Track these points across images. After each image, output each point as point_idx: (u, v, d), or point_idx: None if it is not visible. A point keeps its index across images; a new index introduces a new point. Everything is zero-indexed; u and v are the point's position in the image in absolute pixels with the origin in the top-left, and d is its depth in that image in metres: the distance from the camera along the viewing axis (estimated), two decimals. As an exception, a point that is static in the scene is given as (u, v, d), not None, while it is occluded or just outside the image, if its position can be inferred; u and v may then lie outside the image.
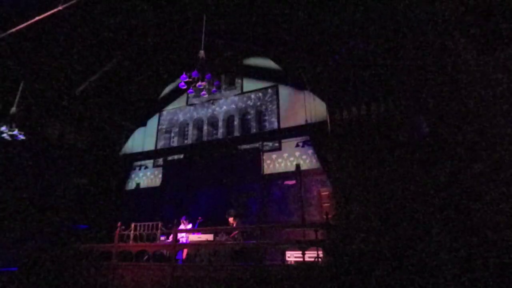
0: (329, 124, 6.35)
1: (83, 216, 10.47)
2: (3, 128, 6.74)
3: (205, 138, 10.85)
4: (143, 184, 11.42)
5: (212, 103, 11.16)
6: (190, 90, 5.75)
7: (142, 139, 12.11)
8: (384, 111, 5.78)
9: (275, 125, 9.68)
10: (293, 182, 8.79)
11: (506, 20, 4.61)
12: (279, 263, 5.70)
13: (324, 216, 5.41)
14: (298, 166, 8.87)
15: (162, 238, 7.11)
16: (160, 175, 11.18)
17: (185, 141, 11.40)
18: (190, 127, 11.38)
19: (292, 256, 6.53)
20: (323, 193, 8.25)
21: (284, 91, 9.90)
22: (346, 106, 6.19)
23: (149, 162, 11.68)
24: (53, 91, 9.43)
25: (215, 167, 10.06)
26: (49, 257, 7.31)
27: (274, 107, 9.93)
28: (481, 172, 4.57)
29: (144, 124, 12.33)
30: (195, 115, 11.42)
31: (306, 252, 5.21)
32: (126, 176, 11.74)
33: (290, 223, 8.16)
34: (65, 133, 10.52)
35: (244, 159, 9.75)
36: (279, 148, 9.43)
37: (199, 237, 6.72)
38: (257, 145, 9.76)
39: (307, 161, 8.85)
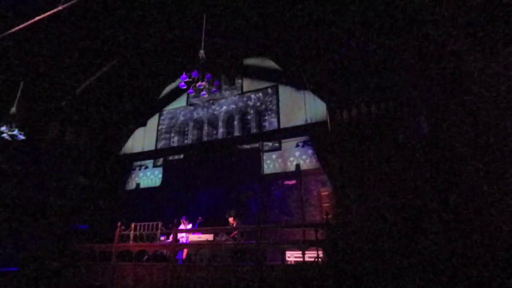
0: (329, 124, 6.36)
1: (83, 216, 10.47)
2: (3, 128, 6.75)
3: (205, 138, 10.85)
4: (143, 184, 11.41)
5: (212, 103, 11.16)
6: (190, 90, 5.75)
7: (142, 139, 12.10)
8: (384, 111, 5.78)
9: (275, 125, 9.67)
10: (293, 182, 8.79)
11: (506, 20, 4.61)
12: (279, 263, 5.69)
13: (324, 216, 5.41)
14: (298, 166, 8.87)
15: (162, 238, 7.11)
16: (160, 175, 11.17)
17: (185, 141, 11.40)
18: (190, 127, 11.38)
19: (292, 256, 6.53)
20: (323, 193, 8.25)
21: (284, 91, 9.90)
22: (346, 106, 6.19)
23: (149, 162, 11.67)
24: (53, 91, 9.42)
25: (215, 167, 10.06)
26: (49, 257, 7.31)
27: (274, 107, 9.93)
28: (480, 172, 4.57)
29: (144, 124, 12.32)
30: (195, 115, 11.42)
31: (306, 252, 5.21)
32: (126, 176, 11.74)
33: (290, 223, 8.16)
34: (65, 133, 10.52)
35: (244, 159, 9.75)
36: (279, 148, 9.43)
37: (199, 237, 6.72)
38: (257, 145, 9.76)
39: (307, 161, 8.85)
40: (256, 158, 9.56)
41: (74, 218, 10.24)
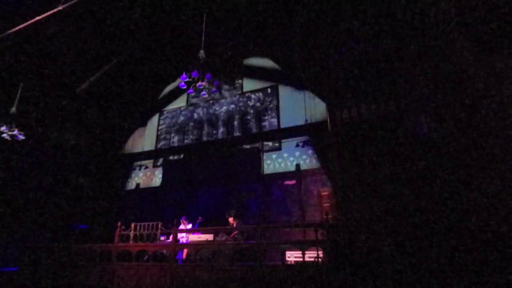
0: (329, 124, 6.35)
1: (83, 216, 10.47)
2: (3, 128, 6.75)
3: (205, 138, 10.85)
4: (143, 184, 11.41)
5: (212, 103, 11.16)
6: (190, 90, 5.76)
7: (142, 139, 12.11)
8: (384, 111, 5.78)
9: (275, 125, 9.68)
10: (293, 182, 8.78)
11: (506, 20, 4.61)
12: (279, 263, 5.69)
13: (324, 216, 5.41)
14: (298, 166, 8.87)
15: (162, 238, 7.11)
16: (160, 175, 11.18)
17: (185, 141, 11.40)
18: (190, 127, 11.38)
19: (292, 256, 6.53)
20: (323, 193, 8.25)
21: (284, 91, 9.90)
22: (346, 106, 6.18)
23: (149, 162, 11.67)
24: (53, 91, 9.43)
25: (215, 167, 10.06)
26: (49, 257, 7.31)
27: (274, 107, 9.93)
28: (481, 172, 4.56)
29: (144, 124, 12.33)
30: (195, 115, 11.42)
31: (306, 252, 5.21)
32: (126, 176, 11.74)
33: (290, 223, 8.15)
34: (65, 133, 10.52)
35: (244, 159, 9.75)
36: (279, 148, 9.43)
37: (199, 237, 6.72)
38: (257, 145, 9.76)
39: (307, 161, 8.85)
40: (256, 158, 9.56)
41: (74, 218, 10.24)
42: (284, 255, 6.40)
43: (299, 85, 9.26)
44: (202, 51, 5.71)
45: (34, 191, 9.43)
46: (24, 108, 8.31)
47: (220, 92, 11.13)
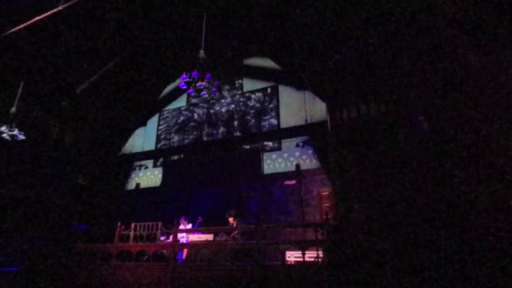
0: (329, 124, 6.35)
1: (83, 216, 10.47)
2: (3, 128, 6.74)
3: (205, 138, 10.85)
4: (143, 184, 11.41)
5: (212, 103, 11.16)
6: (190, 90, 5.74)
7: (142, 139, 12.11)
8: (384, 111, 5.78)
9: (275, 125, 9.68)
10: (293, 182, 8.79)
11: (506, 20, 4.61)
12: (279, 263, 5.69)
13: (324, 216, 5.41)
14: (298, 166, 8.87)
15: (162, 238, 7.11)
16: (160, 175, 11.18)
17: (185, 141, 11.40)
18: (190, 127, 11.38)
19: (292, 256, 6.53)
20: (323, 193, 8.25)
21: (284, 91, 9.90)
22: (346, 106, 6.18)
23: (149, 162, 11.68)
24: (53, 91, 9.43)
25: (215, 167, 10.06)
26: (49, 257, 7.31)
27: (274, 107, 9.94)
28: (481, 172, 4.57)
29: (144, 124, 12.33)
30: (195, 115, 11.42)
31: (306, 252, 5.21)
32: (126, 176, 11.74)
33: (290, 223, 8.16)
34: (65, 133, 10.52)
35: (244, 159, 9.76)
36: (279, 148, 9.43)
37: (199, 237, 6.72)
38: (257, 145, 9.76)
39: (307, 161, 8.85)
40: (256, 158, 9.56)
41: (74, 218, 10.24)
42: (284, 255, 6.40)
43: (299, 85, 9.26)
44: (202, 51, 5.71)
45: (34, 191, 9.43)
46: (24, 108, 8.31)
47: (220, 92, 11.13)
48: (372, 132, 5.75)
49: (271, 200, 8.90)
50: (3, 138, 6.84)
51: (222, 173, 9.84)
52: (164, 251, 6.85)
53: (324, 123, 7.28)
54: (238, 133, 10.33)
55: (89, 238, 9.24)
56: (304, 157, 8.94)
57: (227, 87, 11.18)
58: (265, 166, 9.42)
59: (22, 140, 7.12)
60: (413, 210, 4.94)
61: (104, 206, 10.92)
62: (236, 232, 6.86)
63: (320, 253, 5.22)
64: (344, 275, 4.71)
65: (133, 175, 11.77)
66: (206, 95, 5.89)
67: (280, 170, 9.15)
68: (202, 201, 9.86)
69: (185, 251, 7.07)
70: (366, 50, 6.45)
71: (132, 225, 6.92)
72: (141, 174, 11.63)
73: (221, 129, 10.68)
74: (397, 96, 5.80)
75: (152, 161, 11.66)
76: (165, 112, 12.15)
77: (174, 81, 11.71)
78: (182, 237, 7.27)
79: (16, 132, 6.85)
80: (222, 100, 11.04)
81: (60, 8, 5.40)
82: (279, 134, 9.47)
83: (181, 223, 7.87)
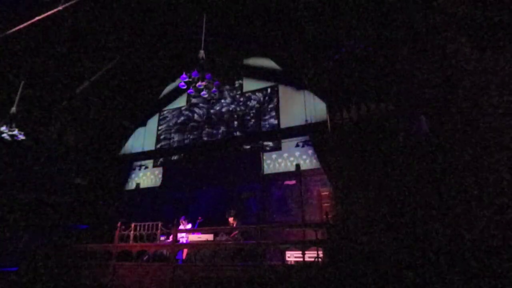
0: (329, 124, 6.35)
1: (83, 216, 10.47)
2: (3, 128, 6.74)
3: (205, 138, 10.85)
4: (143, 184, 11.42)
5: (212, 103, 11.16)
6: (190, 90, 5.74)
7: (142, 139, 12.11)
8: (384, 111, 5.78)
9: (275, 125, 9.68)
10: (293, 182, 8.79)
11: (506, 20, 4.61)
12: (279, 263, 5.69)
13: (324, 216, 5.41)
14: (298, 166, 8.87)
15: (162, 238, 7.11)
16: (160, 175, 11.18)
17: (185, 141, 11.40)
18: (190, 127, 11.38)
19: (292, 256, 6.53)
20: (323, 193, 8.25)
21: (284, 91, 9.90)
22: (346, 106, 6.18)
23: (149, 162, 11.68)
24: (53, 91, 9.43)
25: (215, 167, 10.06)
26: (49, 257, 7.31)
27: (274, 107, 9.93)
28: (481, 172, 4.56)
29: (144, 124, 12.33)
30: (195, 115, 11.42)
31: (306, 252, 5.21)
32: (126, 176, 11.74)
33: (290, 223, 8.16)
34: (65, 133, 10.52)
35: (244, 159, 9.75)
36: (279, 148, 9.43)
37: (199, 237, 6.72)
38: (257, 145, 9.76)
39: (307, 161, 8.85)
40: (256, 158, 9.56)
41: (74, 218, 10.24)
42: (284, 255, 6.40)
43: (299, 85, 9.26)
44: (202, 51, 5.71)
45: (34, 191, 9.43)
46: (24, 108, 8.31)
47: (220, 92, 11.13)
48: (372, 132, 5.75)
49: (271, 200, 8.90)
50: (3, 138, 6.84)
51: (222, 173, 9.84)
52: (164, 251, 6.84)
53: (324, 123, 7.28)
54: (238, 133, 10.33)
55: (89, 238, 9.24)
56: (304, 157, 8.94)
57: (227, 87, 11.18)
58: (265, 166, 9.42)
59: (22, 140, 7.12)
60: (413, 210, 4.94)
61: (104, 206, 10.92)
62: (236, 232, 6.85)
63: (320, 253, 5.22)
64: (344, 275, 4.71)
65: (133, 175, 11.77)
66: (206, 95, 5.90)
67: (280, 170, 9.15)
68: (202, 201, 9.86)
69: (185, 251, 7.07)
70: (366, 50, 6.45)
71: (132, 225, 6.92)
72: (141, 174, 11.63)
73: (221, 129, 10.68)
74: (397, 96, 5.80)
75: (152, 161, 11.66)
76: (165, 112, 12.15)
77: (174, 81, 11.71)
78: (182, 237, 7.27)
79: (16, 132, 6.85)
80: (222, 100, 11.04)
81: (60, 8, 5.40)
82: (279, 134, 9.47)
83: (181, 223, 7.87)
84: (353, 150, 5.80)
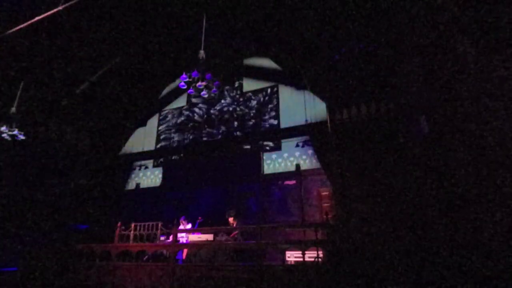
0: (329, 124, 6.35)
1: (83, 216, 10.47)
2: (3, 128, 6.75)
3: (205, 138, 10.85)
4: (143, 184, 11.42)
5: (212, 103, 11.16)
6: (190, 90, 5.75)
7: (142, 139, 12.11)
8: (384, 111, 5.78)
9: (275, 125, 9.68)
10: (293, 182, 8.79)
11: (507, 20, 4.61)
12: (279, 263, 5.69)
13: (324, 216, 5.41)
14: (298, 166, 8.87)
15: (162, 238, 7.11)
16: (160, 175, 11.18)
17: (185, 141, 11.40)
18: (190, 127, 11.38)
19: (292, 256, 6.53)
20: (323, 193, 8.25)
21: (284, 91, 9.90)
22: (346, 106, 6.18)
23: (149, 162, 11.68)
24: (53, 91, 9.43)
25: (215, 167, 10.06)
26: (49, 257, 7.31)
27: (274, 107, 9.93)
28: (481, 172, 4.56)
29: (144, 124, 12.33)
30: (195, 115, 11.43)
31: (306, 252, 5.21)
32: (126, 176, 11.74)
33: (290, 223, 8.16)
34: (65, 133, 10.52)
35: (244, 159, 9.75)
36: (279, 148, 9.43)
37: (199, 237, 6.72)
38: (257, 145, 9.77)
39: (307, 161, 8.85)
40: (256, 158, 9.56)
41: (74, 218, 10.24)
42: (284, 255, 6.40)
43: (299, 85, 9.26)
44: (202, 51, 5.71)
45: (34, 191, 9.43)
46: (24, 108, 8.31)
47: (220, 92, 11.13)
48: (372, 132, 5.75)
49: (271, 200, 8.90)
50: (3, 138, 6.84)
51: (222, 173, 9.84)
52: (164, 251, 6.85)
53: (324, 123, 7.28)
54: (238, 133, 10.33)
55: (89, 238, 9.24)
56: (304, 157, 8.94)
57: (227, 87, 11.18)
58: (265, 166, 9.42)
59: (22, 140, 7.12)
60: (413, 210, 4.94)
61: (104, 206, 10.92)
62: (236, 232, 6.85)
63: (320, 253, 5.22)
64: (344, 275, 4.71)
65: (133, 175, 11.77)
66: (206, 95, 5.90)
67: (280, 170, 9.15)
68: (202, 201, 9.86)
69: (185, 251, 7.07)
70: (366, 50, 6.45)
71: (132, 225, 6.92)
72: (141, 174, 11.63)
73: (221, 129, 10.68)
74: (397, 96, 5.80)
75: (152, 161, 11.66)
76: (165, 112, 12.15)
77: (174, 81, 11.71)
78: (182, 237, 7.27)
79: (16, 132, 6.85)
80: (222, 100, 11.04)
81: (60, 8, 5.40)
82: (279, 134, 9.47)
83: (181, 223, 7.87)
84: (353, 150, 5.80)
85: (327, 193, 8.13)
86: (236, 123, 10.54)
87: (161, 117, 12.15)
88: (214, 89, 6.85)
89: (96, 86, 10.14)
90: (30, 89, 8.44)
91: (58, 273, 7.04)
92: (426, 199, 4.91)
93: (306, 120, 8.90)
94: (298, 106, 9.25)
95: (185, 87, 5.83)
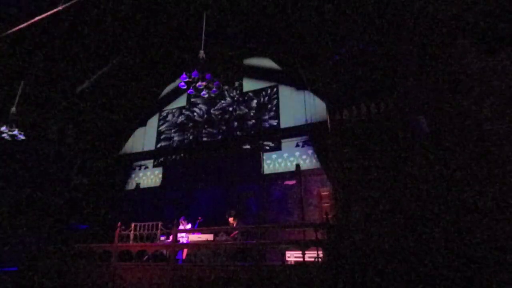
0: (329, 124, 6.34)
1: (83, 216, 10.47)
2: (3, 128, 6.75)
3: (205, 138, 10.85)
4: (143, 184, 11.41)
5: (212, 103, 11.16)
6: (190, 90, 5.75)
7: (142, 139, 12.11)
8: (384, 111, 5.78)
9: (275, 125, 9.68)
10: (293, 182, 8.78)
11: (507, 20, 4.61)
12: (279, 263, 5.69)
13: (324, 216, 5.41)
14: (298, 166, 8.87)
15: (162, 238, 7.11)
16: (160, 175, 11.18)
17: (185, 141, 11.40)
18: (190, 127, 11.38)
19: (292, 256, 6.53)
20: (323, 193, 8.25)
21: (284, 91, 9.90)
22: (346, 106, 6.18)
23: (149, 162, 11.68)
24: (53, 91, 9.43)
25: (215, 167, 10.06)
26: (49, 257, 7.31)
27: (274, 107, 9.93)
28: (481, 172, 4.56)
29: (144, 124, 12.33)
30: (195, 115, 11.43)
31: (306, 252, 5.21)
32: (126, 176, 11.74)
33: (290, 223, 8.16)
34: (65, 133, 10.52)
35: (244, 159, 9.75)
36: (279, 148, 9.43)
37: (199, 237, 6.72)
38: (257, 145, 9.76)
39: (307, 161, 8.85)
40: (256, 158, 9.56)
41: (74, 218, 10.24)
42: (284, 255, 6.39)
43: (299, 85, 9.26)
44: (202, 51, 5.71)
45: (34, 191, 9.42)
46: (24, 108, 8.31)
47: (220, 92, 11.12)
48: (372, 132, 5.75)
49: (271, 200, 8.90)
50: (3, 138, 6.84)
51: (222, 173, 9.84)
52: (164, 251, 6.84)
53: (324, 123, 7.28)
54: (238, 133, 10.32)
55: (89, 238, 9.24)
56: (304, 157, 8.94)
57: (227, 87, 11.18)
58: (265, 166, 9.42)
59: (22, 140, 7.12)
60: (413, 209, 4.94)
61: (104, 206, 10.92)
62: (236, 232, 6.85)
63: (320, 253, 5.22)
64: (344, 275, 4.71)
65: (133, 175, 11.77)
66: (206, 95, 5.90)
67: (280, 170, 9.15)
68: (202, 201, 9.86)
69: (185, 251, 7.07)
70: (366, 50, 6.45)
71: (132, 225, 6.92)
72: (141, 174, 11.63)
73: (221, 129, 10.68)
74: (397, 96, 5.80)
75: (152, 161, 11.66)
76: (165, 112, 12.15)
77: (174, 81, 11.71)
78: (182, 237, 7.27)
79: (16, 132, 6.85)
80: (222, 100, 11.04)
81: (60, 8, 5.40)
82: (279, 134, 9.47)
83: (181, 223, 7.86)
84: (353, 150, 5.80)
85: (327, 193, 8.13)
86: (236, 123, 10.54)
87: (161, 117, 12.15)
88: (214, 89, 6.85)
89: (96, 86, 10.13)
90: (30, 89, 8.43)
91: (58, 273, 7.04)
92: (426, 199, 4.91)
93: (306, 120, 8.90)
94: (298, 106, 9.25)
95: (185, 87, 5.83)
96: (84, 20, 7.99)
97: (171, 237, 6.62)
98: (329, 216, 5.41)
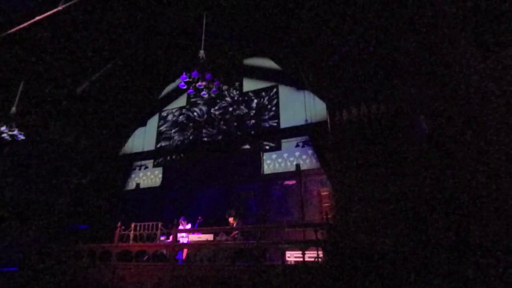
0: (329, 124, 6.35)
1: (83, 216, 10.47)
2: (3, 128, 6.75)
3: (205, 138, 10.85)
4: (143, 184, 11.42)
5: (212, 103, 11.17)
6: (190, 90, 5.75)
7: (142, 139, 12.11)
8: (384, 111, 5.78)
9: (275, 125, 9.68)
10: (293, 182, 8.79)
11: (506, 20, 4.61)
12: (279, 263, 5.69)
13: (324, 216, 5.41)
14: (298, 166, 8.87)
15: (162, 238, 7.11)
16: (160, 175, 11.18)
17: (185, 141, 11.40)
18: (190, 127, 11.38)
19: (292, 256, 6.53)
20: (323, 193, 8.25)
21: (284, 91, 9.90)
22: (346, 106, 6.18)
23: (149, 162, 11.68)
24: (53, 91, 9.42)
25: (215, 167, 10.06)
26: (49, 257, 7.31)
27: (274, 107, 9.93)
28: (481, 171, 4.56)
29: (144, 124, 12.33)
30: (195, 115, 11.43)
31: (306, 252, 5.21)
32: (126, 176, 11.74)
33: (290, 223, 8.15)
34: (65, 133, 10.52)
35: (244, 159, 9.76)
36: (279, 148, 9.43)
37: (199, 237, 6.72)
38: (257, 145, 9.76)
39: (307, 161, 8.85)
40: (256, 158, 9.56)
41: (74, 218, 10.24)
42: (284, 255, 6.40)
43: (299, 85, 9.26)
44: (202, 51, 5.72)
45: (34, 191, 9.42)
46: (24, 108, 8.31)
47: (220, 92, 11.12)
48: (372, 132, 5.75)
49: (271, 200, 8.90)
50: (3, 138, 6.84)
51: (222, 173, 9.84)
52: (164, 251, 6.84)
53: (324, 123, 7.28)
54: (238, 133, 10.33)
55: (89, 238, 9.24)
56: (304, 157, 8.94)
57: (227, 87, 11.18)
58: (265, 166, 9.42)
59: (22, 140, 7.12)
60: (413, 209, 4.94)
61: (104, 206, 10.92)
62: (236, 232, 6.85)
63: (320, 253, 5.22)
64: (344, 275, 4.71)
65: (133, 175, 11.77)
66: (206, 95, 5.90)
67: (280, 170, 9.15)
68: (202, 201, 9.86)
69: (185, 251, 7.07)
70: (366, 50, 6.45)
71: (132, 225, 6.92)
72: (141, 174, 11.63)
73: (221, 129, 10.68)
74: (397, 96, 5.80)
75: (152, 161, 11.66)
76: (165, 112, 12.15)
77: (174, 81, 11.71)
78: (182, 237, 7.27)
79: (16, 132, 6.86)
80: (222, 100, 11.04)
81: (60, 8, 5.41)
82: (279, 134, 9.47)
83: (181, 224, 7.86)
84: (353, 150, 5.80)
85: (327, 193, 8.13)
86: (236, 123, 10.54)
87: (161, 117, 12.15)
88: (214, 89, 6.85)
89: (96, 86, 10.13)
90: (30, 89, 8.43)
91: (58, 273, 7.04)
92: (426, 199, 4.91)
93: (306, 120, 8.90)
94: (298, 106, 9.25)
95: (185, 87, 5.83)
96: (84, 20, 7.99)
97: (171, 237, 6.62)
98: (329, 216, 5.41)
